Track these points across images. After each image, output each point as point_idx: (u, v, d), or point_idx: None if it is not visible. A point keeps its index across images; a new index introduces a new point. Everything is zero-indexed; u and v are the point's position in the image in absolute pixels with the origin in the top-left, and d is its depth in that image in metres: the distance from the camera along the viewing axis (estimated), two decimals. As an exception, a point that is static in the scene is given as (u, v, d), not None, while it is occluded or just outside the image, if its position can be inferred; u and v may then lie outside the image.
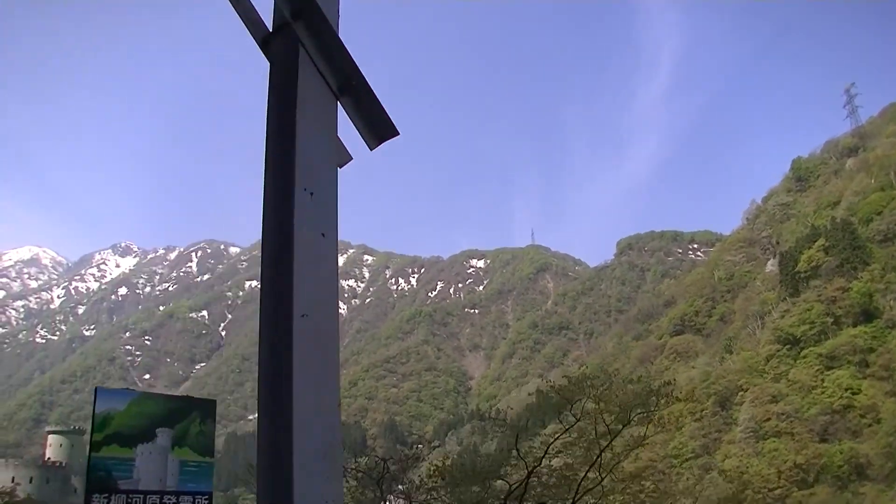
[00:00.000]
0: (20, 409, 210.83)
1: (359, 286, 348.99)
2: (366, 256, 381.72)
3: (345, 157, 2.92)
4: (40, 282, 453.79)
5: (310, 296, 2.20)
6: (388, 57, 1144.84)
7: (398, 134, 2.80)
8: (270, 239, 2.30)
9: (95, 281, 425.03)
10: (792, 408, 76.04)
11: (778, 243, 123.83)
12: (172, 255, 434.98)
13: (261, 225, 2.31)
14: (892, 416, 67.89)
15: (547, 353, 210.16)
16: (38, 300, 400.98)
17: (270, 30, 2.60)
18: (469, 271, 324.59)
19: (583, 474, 22.35)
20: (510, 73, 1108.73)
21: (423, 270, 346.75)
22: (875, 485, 64.02)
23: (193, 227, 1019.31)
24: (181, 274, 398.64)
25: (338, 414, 2.24)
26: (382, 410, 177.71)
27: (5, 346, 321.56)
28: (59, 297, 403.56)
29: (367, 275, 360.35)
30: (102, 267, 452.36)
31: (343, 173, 2.65)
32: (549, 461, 23.08)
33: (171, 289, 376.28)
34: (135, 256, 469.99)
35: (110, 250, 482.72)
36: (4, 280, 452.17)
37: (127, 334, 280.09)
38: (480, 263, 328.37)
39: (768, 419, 75.27)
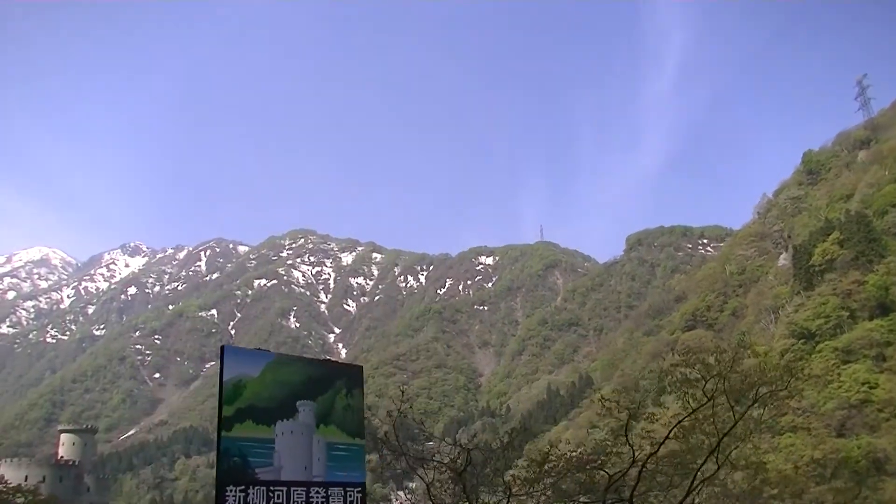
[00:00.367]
0: (31, 409, 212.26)
1: (368, 284, 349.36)
2: (374, 254, 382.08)
3: None
4: (50, 282, 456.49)
5: None
6: (398, 54, 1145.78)
7: None
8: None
9: (105, 281, 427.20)
10: (808, 402, 75.23)
11: (790, 237, 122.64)
12: (181, 255, 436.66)
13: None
14: (910, 410, 66.96)
15: (557, 349, 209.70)
16: (48, 300, 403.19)
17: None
18: (478, 268, 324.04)
19: (702, 461, 20.49)
20: (517, 68, 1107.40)
21: (431, 268, 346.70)
22: (894, 479, 63.17)
23: (202, 227, 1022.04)
24: (190, 273, 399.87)
25: None
26: (392, 408, 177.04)
27: (16, 346, 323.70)
28: (69, 297, 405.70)
29: (375, 272, 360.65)
30: (112, 267, 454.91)
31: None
32: (654, 448, 20.28)
33: (180, 288, 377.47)
34: (144, 256, 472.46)
35: (119, 250, 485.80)
36: (15, 280, 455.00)
37: (137, 333, 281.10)
38: (489, 260, 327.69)
39: (784, 414, 74.41)
